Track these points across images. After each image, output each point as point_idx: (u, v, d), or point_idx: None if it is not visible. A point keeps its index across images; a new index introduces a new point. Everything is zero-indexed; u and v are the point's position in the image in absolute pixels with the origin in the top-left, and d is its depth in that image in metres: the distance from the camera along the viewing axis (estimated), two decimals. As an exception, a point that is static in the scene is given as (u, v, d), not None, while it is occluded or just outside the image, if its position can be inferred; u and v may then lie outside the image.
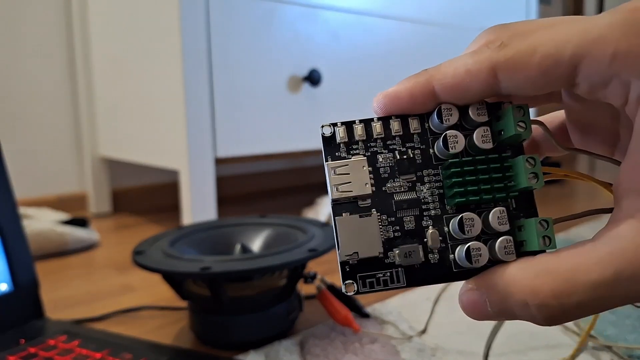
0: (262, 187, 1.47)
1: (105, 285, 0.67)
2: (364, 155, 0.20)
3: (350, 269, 0.19)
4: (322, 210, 0.98)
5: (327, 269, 0.69)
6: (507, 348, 0.45)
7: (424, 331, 0.48)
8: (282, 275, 0.49)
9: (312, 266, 0.65)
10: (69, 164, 1.18)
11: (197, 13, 0.81)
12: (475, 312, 0.18)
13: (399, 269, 0.19)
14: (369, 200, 0.19)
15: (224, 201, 1.29)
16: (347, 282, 0.19)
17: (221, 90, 0.85)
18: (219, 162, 0.88)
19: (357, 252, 0.19)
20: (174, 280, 0.47)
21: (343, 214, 0.19)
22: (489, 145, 0.19)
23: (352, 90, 1.02)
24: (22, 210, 0.91)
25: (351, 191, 0.19)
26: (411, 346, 0.46)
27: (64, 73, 1.15)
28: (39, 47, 1.11)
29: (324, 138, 0.20)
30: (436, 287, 0.59)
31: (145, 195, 1.26)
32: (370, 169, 0.20)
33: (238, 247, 0.51)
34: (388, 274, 0.19)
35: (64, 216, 0.91)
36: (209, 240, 0.54)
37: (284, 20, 0.92)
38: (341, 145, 0.20)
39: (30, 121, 1.12)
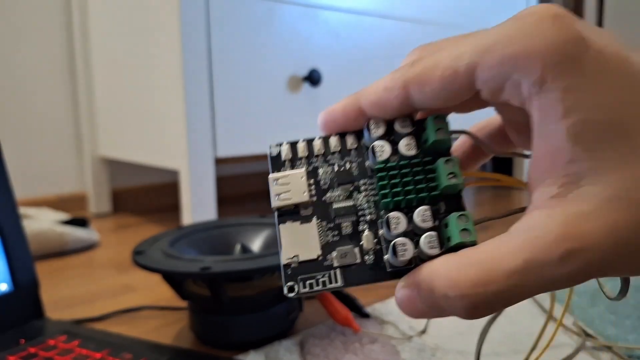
0: (262, 187, 1.47)
1: (105, 285, 0.67)
2: (305, 169, 0.21)
3: (292, 272, 0.20)
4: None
5: (327, 269, 0.69)
6: (506, 348, 0.45)
7: (424, 331, 0.48)
8: (282, 275, 0.49)
9: (312, 266, 0.65)
10: (69, 164, 1.18)
11: (197, 13, 0.81)
12: (409, 309, 0.19)
13: (337, 269, 0.20)
14: (310, 209, 0.21)
15: (224, 201, 1.29)
16: (288, 284, 0.20)
17: (221, 90, 0.85)
18: (219, 162, 0.88)
19: (297, 255, 0.20)
20: (174, 280, 0.47)
21: (287, 221, 0.21)
22: (413, 152, 0.21)
23: (352, 90, 1.00)
24: (22, 210, 0.91)
25: (290, 199, 0.21)
26: (411, 346, 0.46)
27: (64, 73, 1.15)
28: (39, 47, 1.11)
29: (271, 157, 0.22)
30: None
31: (145, 195, 1.26)
32: (311, 181, 0.21)
33: (238, 247, 0.51)
34: (327, 275, 0.20)
35: (64, 216, 0.91)
36: (209, 240, 0.54)
37: (284, 20, 0.92)
38: (286, 162, 0.22)
39: (30, 121, 1.12)
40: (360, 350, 0.45)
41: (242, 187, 1.43)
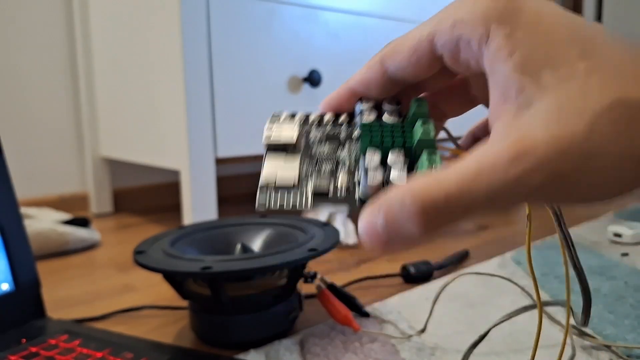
0: (262, 187, 1.47)
1: (106, 284, 0.67)
2: (298, 124, 0.24)
3: (267, 191, 0.22)
4: (322, 210, 0.99)
5: (327, 269, 0.69)
6: (505, 347, 0.45)
7: (423, 330, 0.48)
8: (282, 275, 0.49)
9: (312, 266, 0.65)
10: (70, 164, 1.18)
11: (197, 13, 0.82)
12: (369, 233, 0.20)
13: (308, 194, 0.22)
14: (296, 150, 0.23)
15: (224, 201, 1.30)
16: (260, 199, 0.22)
17: (222, 90, 0.85)
18: (220, 162, 0.88)
19: (275, 181, 0.22)
20: (175, 279, 0.47)
21: (273, 154, 0.23)
22: (396, 119, 0.24)
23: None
24: (24, 210, 0.91)
25: (279, 140, 0.23)
26: (410, 345, 0.46)
27: (65, 73, 1.15)
28: (40, 47, 1.11)
29: (272, 116, 0.25)
30: (435, 287, 0.59)
31: (146, 195, 1.27)
32: (303, 132, 0.24)
33: (238, 247, 0.51)
34: (297, 197, 0.22)
35: (65, 216, 0.92)
36: (210, 240, 0.54)
37: (284, 21, 0.92)
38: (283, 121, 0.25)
39: (32, 121, 1.12)
40: (360, 350, 0.45)
41: (243, 187, 1.43)
